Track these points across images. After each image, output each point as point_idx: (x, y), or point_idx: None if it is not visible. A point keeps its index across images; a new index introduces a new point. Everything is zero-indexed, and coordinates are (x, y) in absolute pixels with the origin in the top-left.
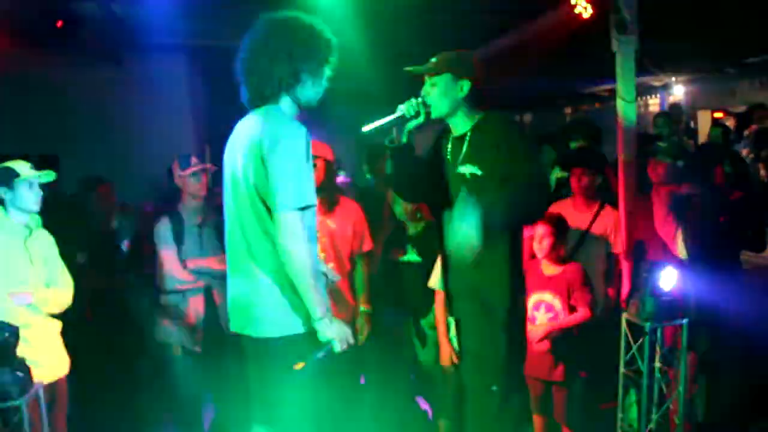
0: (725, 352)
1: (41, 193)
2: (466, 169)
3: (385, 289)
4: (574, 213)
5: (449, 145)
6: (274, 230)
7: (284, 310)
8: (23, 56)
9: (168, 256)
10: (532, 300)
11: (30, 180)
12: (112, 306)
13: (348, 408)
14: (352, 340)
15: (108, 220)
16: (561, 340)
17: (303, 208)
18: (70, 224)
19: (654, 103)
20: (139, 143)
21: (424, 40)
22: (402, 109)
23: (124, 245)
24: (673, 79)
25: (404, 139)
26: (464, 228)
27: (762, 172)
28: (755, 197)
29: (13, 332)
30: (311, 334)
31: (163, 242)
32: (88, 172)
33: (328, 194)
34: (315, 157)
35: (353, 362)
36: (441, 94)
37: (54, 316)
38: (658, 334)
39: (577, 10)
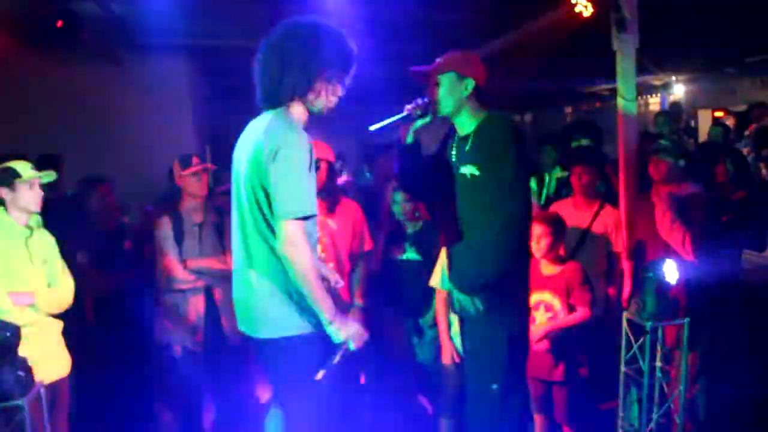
0: (726, 351)
1: (42, 193)
2: (467, 170)
3: (384, 287)
4: (575, 212)
5: (454, 146)
6: (273, 236)
7: (283, 313)
8: (23, 56)
9: (168, 256)
10: (531, 300)
11: (30, 180)
12: (112, 306)
13: (348, 407)
14: (366, 336)
15: (108, 220)
16: (561, 339)
17: (303, 218)
18: (70, 224)
19: (654, 102)
20: (139, 143)
21: (425, 40)
22: (408, 109)
23: (125, 245)
24: (674, 78)
25: (410, 139)
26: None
27: (763, 171)
28: (756, 196)
29: (15, 332)
30: (310, 336)
31: (163, 242)
32: (88, 172)
33: (329, 195)
34: (318, 160)
35: (352, 361)
36: (446, 94)
37: (55, 316)
38: (659, 333)
39: (577, 9)
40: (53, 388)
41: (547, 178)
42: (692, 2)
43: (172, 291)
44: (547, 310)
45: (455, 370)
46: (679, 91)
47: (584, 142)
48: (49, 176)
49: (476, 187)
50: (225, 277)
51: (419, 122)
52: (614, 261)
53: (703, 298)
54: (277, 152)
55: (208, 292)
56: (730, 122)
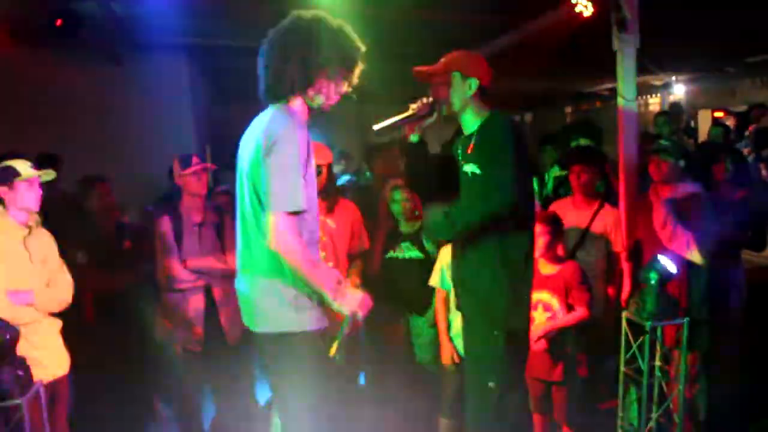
0: (726, 351)
1: (41, 192)
2: (469, 168)
3: (382, 286)
4: (574, 211)
5: (459, 144)
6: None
7: (282, 308)
8: (22, 55)
9: (168, 255)
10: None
11: (30, 179)
12: (112, 305)
13: (347, 407)
14: (371, 303)
15: (107, 220)
16: (559, 339)
17: (293, 213)
18: (70, 223)
19: (654, 102)
20: (139, 142)
21: (425, 40)
22: (413, 108)
23: (124, 244)
24: (674, 78)
25: (415, 138)
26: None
27: (763, 172)
28: (756, 197)
29: (13, 331)
30: (308, 333)
31: (163, 242)
32: (87, 171)
33: (329, 196)
34: (319, 166)
35: (351, 360)
36: (450, 93)
37: (54, 315)
38: (659, 332)
39: (577, 9)
40: (52, 387)
41: (546, 178)
42: (692, 2)
43: (172, 290)
44: (545, 310)
45: (455, 370)
46: (679, 91)
47: (583, 141)
48: (48, 175)
49: (477, 185)
50: (225, 277)
51: (426, 121)
52: (614, 261)
53: (702, 298)
54: (271, 147)
55: (208, 292)
56: (729, 122)
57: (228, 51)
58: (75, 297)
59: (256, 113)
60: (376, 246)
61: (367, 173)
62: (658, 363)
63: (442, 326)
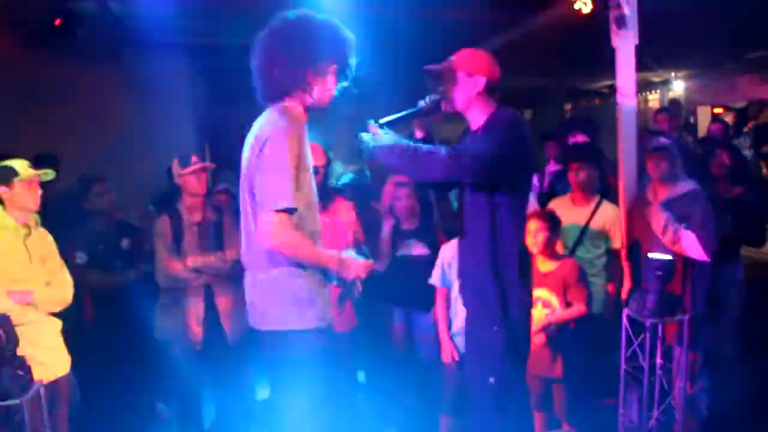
0: (726, 347)
1: (40, 191)
2: None
3: (383, 284)
4: (573, 208)
5: (467, 140)
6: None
7: (282, 307)
8: (21, 54)
9: (167, 254)
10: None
11: (29, 179)
12: (112, 305)
13: (347, 404)
14: (371, 263)
15: (107, 219)
16: (559, 336)
17: (284, 211)
18: (69, 223)
19: (654, 99)
20: (138, 142)
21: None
22: (420, 104)
23: (124, 244)
24: (673, 74)
25: (419, 135)
26: None
27: (764, 171)
28: (755, 193)
29: (12, 331)
30: (308, 332)
31: (162, 241)
32: (86, 170)
33: (324, 195)
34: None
35: (351, 358)
36: (457, 90)
37: (54, 314)
38: (659, 330)
39: (576, 6)
40: (52, 387)
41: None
42: None
43: (172, 289)
44: (545, 307)
45: (455, 368)
46: (678, 87)
47: (581, 138)
48: (48, 175)
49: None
50: (224, 276)
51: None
52: (613, 257)
53: (702, 295)
54: (262, 147)
55: (208, 291)
56: (729, 119)
57: (228, 51)
58: (75, 296)
59: (255, 113)
60: (383, 244)
61: (367, 171)
62: (658, 360)
63: (441, 325)
